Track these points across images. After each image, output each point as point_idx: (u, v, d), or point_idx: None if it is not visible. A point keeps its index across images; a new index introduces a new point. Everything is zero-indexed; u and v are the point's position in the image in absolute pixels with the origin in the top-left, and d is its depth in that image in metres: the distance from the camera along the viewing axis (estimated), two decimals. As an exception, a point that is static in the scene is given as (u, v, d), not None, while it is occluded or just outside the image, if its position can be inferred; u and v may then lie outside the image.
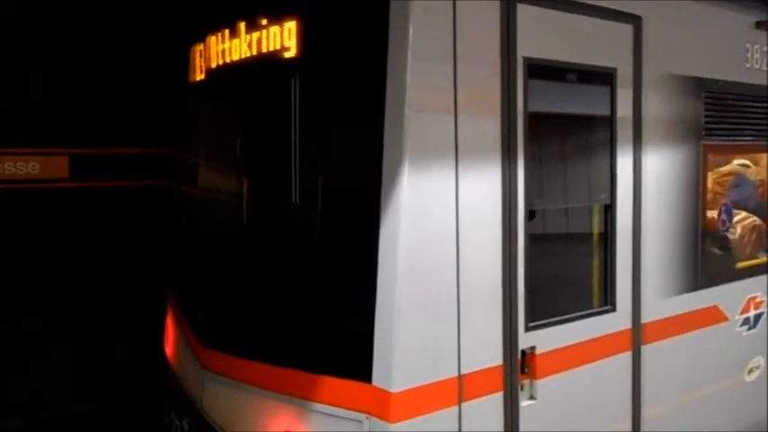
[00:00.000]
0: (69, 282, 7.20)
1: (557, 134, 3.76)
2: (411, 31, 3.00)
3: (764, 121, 5.02)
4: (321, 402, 3.25)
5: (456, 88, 3.15)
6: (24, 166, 7.18)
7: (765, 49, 4.93)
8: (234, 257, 4.18)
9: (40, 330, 6.93)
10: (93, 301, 7.25)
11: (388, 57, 3.06)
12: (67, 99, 7.28)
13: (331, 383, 3.22)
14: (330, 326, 3.35)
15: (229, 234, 4.24)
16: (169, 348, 5.01)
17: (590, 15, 3.71)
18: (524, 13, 3.39)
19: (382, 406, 3.02)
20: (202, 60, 4.44)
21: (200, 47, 4.48)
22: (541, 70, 3.50)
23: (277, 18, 3.60)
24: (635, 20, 3.95)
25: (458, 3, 3.14)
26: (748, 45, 4.81)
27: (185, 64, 4.79)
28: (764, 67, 4.95)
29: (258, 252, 3.96)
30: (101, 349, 7.06)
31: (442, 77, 3.13)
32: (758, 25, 4.84)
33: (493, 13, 3.30)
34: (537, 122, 3.48)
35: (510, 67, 3.34)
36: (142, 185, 7.59)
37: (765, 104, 4.99)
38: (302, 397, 3.33)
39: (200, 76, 4.52)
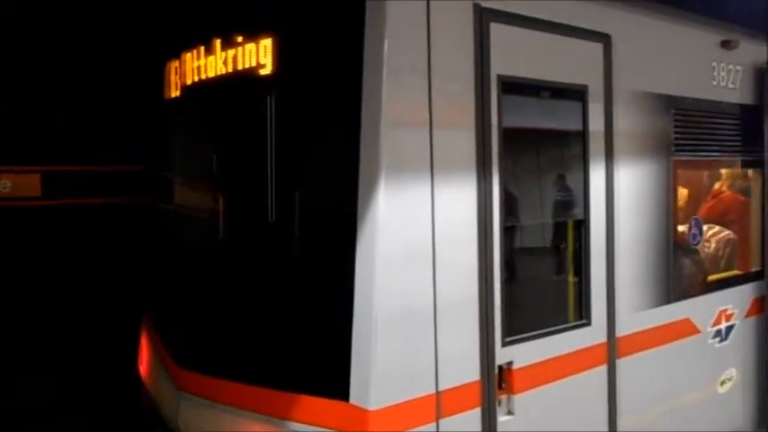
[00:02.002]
0: (41, 299, 7.07)
1: (531, 149, 3.81)
2: (386, 46, 3.02)
3: (730, 138, 5.15)
4: (298, 422, 3.21)
5: (431, 103, 3.18)
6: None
7: (730, 67, 5.07)
8: (209, 276, 4.13)
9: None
10: (63, 320, 7.12)
11: (364, 72, 3.08)
12: (41, 115, 7.20)
13: (308, 402, 3.19)
14: (306, 344, 3.32)
15: (205, 252, 4.20)
16: (144, 368, 4.92)
17: (561, 34, 3.79)
18: (497, 32, 3.44)
19: (360, 424, 2.99)
20: (178, 77, 4.42)
21: (175, 63, 4.46)
22: (515, 87, 3.55)
23: (252, 35, 3.61)
24: (605, 38, 4.04)
25: (432, 19, 3.18)
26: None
27: (161, 80, 4.76)
28: (730, 85, 5.08)
29: (234, 270, 3.92)
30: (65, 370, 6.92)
31: (417, 92, 3.15)
32: (724, 44, 4.98)
33: (467, 32, 3.35)
34: (511, 137, 3.53)
35: (484, 84, 3.39)
36: (116, 203, 7.50)
37: (731, 121, 5.12)
38: (279, 416, 3.30)
39: (175, 93, 4.50)
